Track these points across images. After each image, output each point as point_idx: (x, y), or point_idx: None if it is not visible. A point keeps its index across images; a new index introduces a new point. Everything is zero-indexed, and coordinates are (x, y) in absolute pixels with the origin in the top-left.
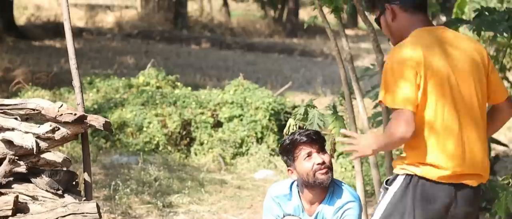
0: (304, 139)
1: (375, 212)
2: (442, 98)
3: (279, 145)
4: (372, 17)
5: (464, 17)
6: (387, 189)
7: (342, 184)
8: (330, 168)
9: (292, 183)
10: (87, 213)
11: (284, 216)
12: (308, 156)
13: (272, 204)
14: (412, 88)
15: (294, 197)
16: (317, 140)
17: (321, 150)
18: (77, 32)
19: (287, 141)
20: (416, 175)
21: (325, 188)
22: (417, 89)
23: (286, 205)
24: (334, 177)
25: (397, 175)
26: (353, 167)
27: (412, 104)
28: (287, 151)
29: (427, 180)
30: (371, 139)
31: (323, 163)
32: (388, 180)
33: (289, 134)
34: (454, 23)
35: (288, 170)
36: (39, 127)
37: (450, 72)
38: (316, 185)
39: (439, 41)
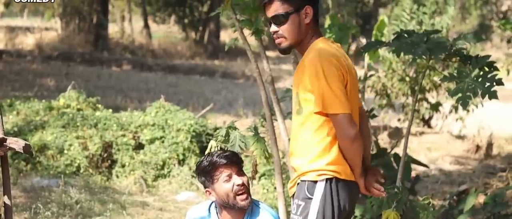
0: (224, 161)
1: None
2: (352, 104)
3: (196, 166)
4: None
5: (383, 39)
6: (310, 198)
7: (260, 203)
8: (248, 191)
9: (210, 204)
10: None
11: None
12: (228, 178)
13: None
14: (344, 92)
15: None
16: (236, 162)
17: (240, 171)
18: None
19: (206, 163)
20: (336, 177)
21: (244, 209)
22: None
23: None
24: (257, 198)
25: (315, 181)
26: (275, 188)
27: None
28: (206, 172)
29: (345, 180)
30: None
31: (243, 184)
32: (298, 191)
33: (206, 155)
34: (373, 45)
35: (206, 191)
36: None
37: (355, 81)
38: (235, 209)
39: (341, 52)
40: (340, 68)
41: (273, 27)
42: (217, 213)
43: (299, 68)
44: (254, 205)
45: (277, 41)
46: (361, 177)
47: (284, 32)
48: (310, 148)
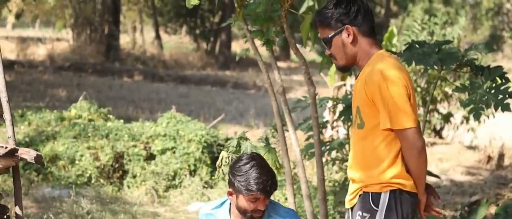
0: (258, 194)
1: None
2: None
3: (233, 166)
4: (305, 50)
5: (393, 49)
6: (375, 210)
7: (276, 203)
8: (264, 212)
9: (223, 203)
10: None
11: None
12: (254, 200)
13: None
14: (410, 105)
15: (224, 213)
16: (268, 193)
17: (267, 198)
18: (8, 65)
19: (242, 176)
20: (400, 189)
21: None
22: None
23: (216, 216)
24: None
25: (380, 193)
26: (286, 199)
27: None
28: (237, 181)
29: (408, 192)
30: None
31: (260, 211)
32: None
33: (250, 163)
34: None
35: (229, 191)
36: None
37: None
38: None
39: (402, 65)
40: (404, 81)
41: (326, 50)
42: (229, 209)
43: (358, 82)
44: (270, 204)
45: (333, 61)
46: (424, 195)
47: (333, 54)
48: (374, 161)
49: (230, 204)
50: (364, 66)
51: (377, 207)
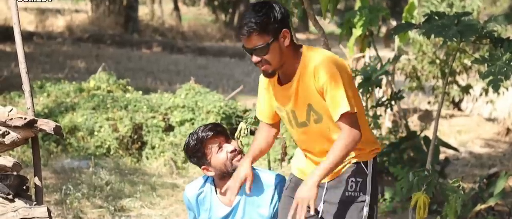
0: (210, 133)
1: (365, 198)
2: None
3: (185, 149)
4: (324, 21)
5: (413, 21)
6: (367, 174)
7: (258, 168)
8: (242, 152)
9: (206, 179)
10: (38, 217)
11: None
12: (219, 148)
13: (189, 204)
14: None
15: (210, 193)
16: (221, 131)
17: (227, 138)
18: (27, 36)
19: (193, 142)
20: (376, 153)
21: None
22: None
23: (202, 202)
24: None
25: (366, 161)
26: None
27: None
28: (196, 150)
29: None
30: (309, 182)
31: (235, 149)
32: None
33: (189, 135)
34: (404, 28)
35: (203, 168)
36: None
37: None
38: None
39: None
40: (349, 68)
41: (255, 58)
42: (214, 186)
43: (300, 82)
44: (253, 169)
45: (262, 68)
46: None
47: (267, 60)
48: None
49: (213, 180)
50: (300, 65)
51: (367, 171)
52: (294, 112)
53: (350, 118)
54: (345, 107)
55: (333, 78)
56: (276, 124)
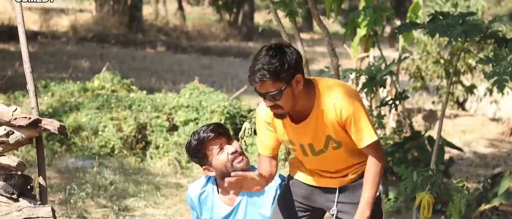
0: (212, 134)
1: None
2: None
3: (186, 148)
4: (328, 21)
5: (418, 21)
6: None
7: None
8: (243, 154)
9: (208, 179)
10: (42, 217)
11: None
12: (220, 149)
13: (192, 204)
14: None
15: (212, 193)
16: (222, 132)
17: (228, 139)
18: (32, 36)
19: (194, 142)
20: None
21: None
22: None
23: (205, 201)
24: None
25: None
26: None
27: None
28: (197, 151)
29: None
30: (363, 210)
31: (236, 151)
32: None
33: (192, 134)
34: (408, 27)
35: (204, 168)
36: None
37: None
38: None
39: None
40: (362, 102)
41: (268, 102)
42: (216, 185)
43: (319, 119)
44: (252, 169)
45: (273, 111)
46: None
47: (280, 105)
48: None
49: (215, 179)
50: (316, 103)
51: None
52: (311, 144)
53: (376, 145)
54: (371, 137)
55: (356, 112)
56: (276, 155)
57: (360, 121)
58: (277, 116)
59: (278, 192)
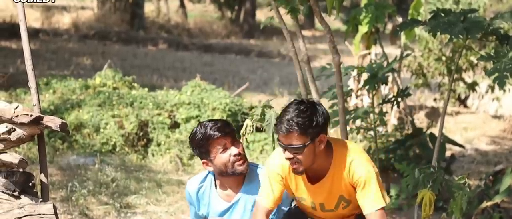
0: (218, 134)
1: None
2: None
3: (190, 139)
4: (330, 19)
5: (419, 18)
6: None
7: (258, 166)
8: (245, 157)
9: (207, 174)
10: (44, 214)
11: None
12: (223, 149)
13: (190, 199)
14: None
15: (210, 188)
16: (229, 133)
17: (234, 140)
18: (33, 33)
19: (200, 136)
20: None
21: (243, 174)
22: None
23: (202, 196)
24: None
25: None
26: None
27: None
28: (201, 145)
29: None
30: None
31: (239, 153)
32: None
33: (198, 126)
34: (410, 25)
35: (203, 162)
36: None
37: None
38: (235, 175)
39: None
40: (375, 168)
41: (288, 155)
42: (215, 181)
43: (335, 181)
44: (252, 167)
45: (292, 166)
46: None
47: (300, 160)
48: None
49: (214, 175)
50: (333, 164)
51: None
52: (323, 204)
53: (381, 215)
54: (380, 203)
55: (368, 176)
56: (273, 210)
57: (371, 185)
58: (295, 171)
59: None
